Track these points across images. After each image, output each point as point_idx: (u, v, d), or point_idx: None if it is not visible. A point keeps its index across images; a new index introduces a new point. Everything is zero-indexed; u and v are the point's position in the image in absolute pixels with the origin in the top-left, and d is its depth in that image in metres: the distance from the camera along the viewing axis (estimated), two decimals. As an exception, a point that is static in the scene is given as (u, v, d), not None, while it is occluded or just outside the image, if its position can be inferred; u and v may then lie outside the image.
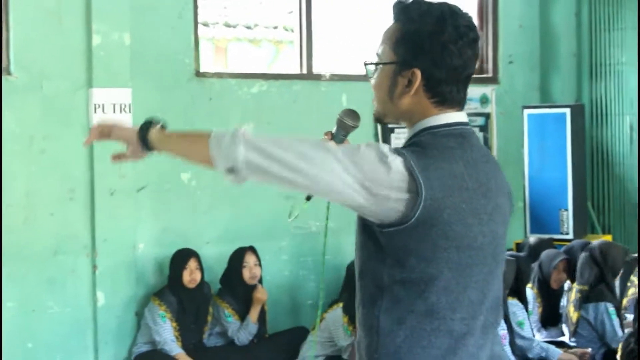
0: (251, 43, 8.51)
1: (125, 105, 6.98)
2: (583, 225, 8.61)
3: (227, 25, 8.26)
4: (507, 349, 6.13)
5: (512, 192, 2.47)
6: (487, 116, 8.55)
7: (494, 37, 8.97)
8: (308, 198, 2.62)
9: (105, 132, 2.61)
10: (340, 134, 2.64)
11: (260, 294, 7.09)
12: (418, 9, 2.37)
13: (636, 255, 7.21)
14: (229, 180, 2.34)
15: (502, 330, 6.03)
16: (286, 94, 7.93)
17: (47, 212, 6.80)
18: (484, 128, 8.56)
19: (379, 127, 7.97)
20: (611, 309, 6.71)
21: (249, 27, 8.39)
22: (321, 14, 8.21)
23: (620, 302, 7.09)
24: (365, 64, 2.45)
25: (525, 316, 6.59)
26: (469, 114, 3.05)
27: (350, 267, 7.17)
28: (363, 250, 2.35)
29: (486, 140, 8.51)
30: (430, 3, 2.39)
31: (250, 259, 7.17)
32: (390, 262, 2.27)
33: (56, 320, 6.84)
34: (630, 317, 6.81)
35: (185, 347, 6.85)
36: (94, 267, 6.97)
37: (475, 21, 2.66)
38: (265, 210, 7.75)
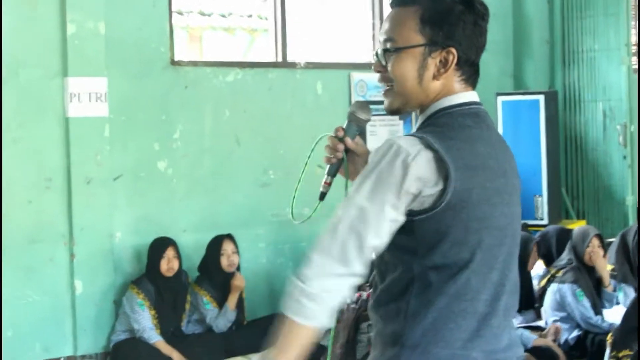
0: (226, 31, 8.63)
1: (100, 95, 7.02)
2: (557, 210, 8.70)
3: (202, 14, 8.37)
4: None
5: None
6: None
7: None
8: (322, 198, 2.52)
9: None
10: (353, 129, 2.50)
11: (238, 281, 7.11)
12: None
13: (612, 239, 7.25)
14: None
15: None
16: (261, 82, 7.98)
17: (24, 201, 6.84)
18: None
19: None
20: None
21: (223, 16, 8.48)
22: (295, 2, 8.30)
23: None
24: (385, 51, 2.32)
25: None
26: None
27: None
28: (389, 247, 2.27)
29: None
30: None
31: (228, 246, 7.19)
32: (423, 252, 2.22)
33: (35, 308, 6.89)
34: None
35: (163, 334, 6.89)
36: (72, 255, 6.99)
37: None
38: (242, 198, 7.84)
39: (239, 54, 8.76)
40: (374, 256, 2.26)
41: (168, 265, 6.96)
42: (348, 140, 2.48)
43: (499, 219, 2.26)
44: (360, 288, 6.38)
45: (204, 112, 7.71)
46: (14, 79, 6.74)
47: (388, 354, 2.27)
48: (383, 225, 2.19)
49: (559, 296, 6.78)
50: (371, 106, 2.59)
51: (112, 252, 7.17)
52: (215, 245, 7.22)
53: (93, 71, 7.00)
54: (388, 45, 2.32)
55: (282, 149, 8.02)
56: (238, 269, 7.25)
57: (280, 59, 8.15)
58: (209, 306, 7.07)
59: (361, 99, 6.63)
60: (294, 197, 2.63)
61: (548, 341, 6.43)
